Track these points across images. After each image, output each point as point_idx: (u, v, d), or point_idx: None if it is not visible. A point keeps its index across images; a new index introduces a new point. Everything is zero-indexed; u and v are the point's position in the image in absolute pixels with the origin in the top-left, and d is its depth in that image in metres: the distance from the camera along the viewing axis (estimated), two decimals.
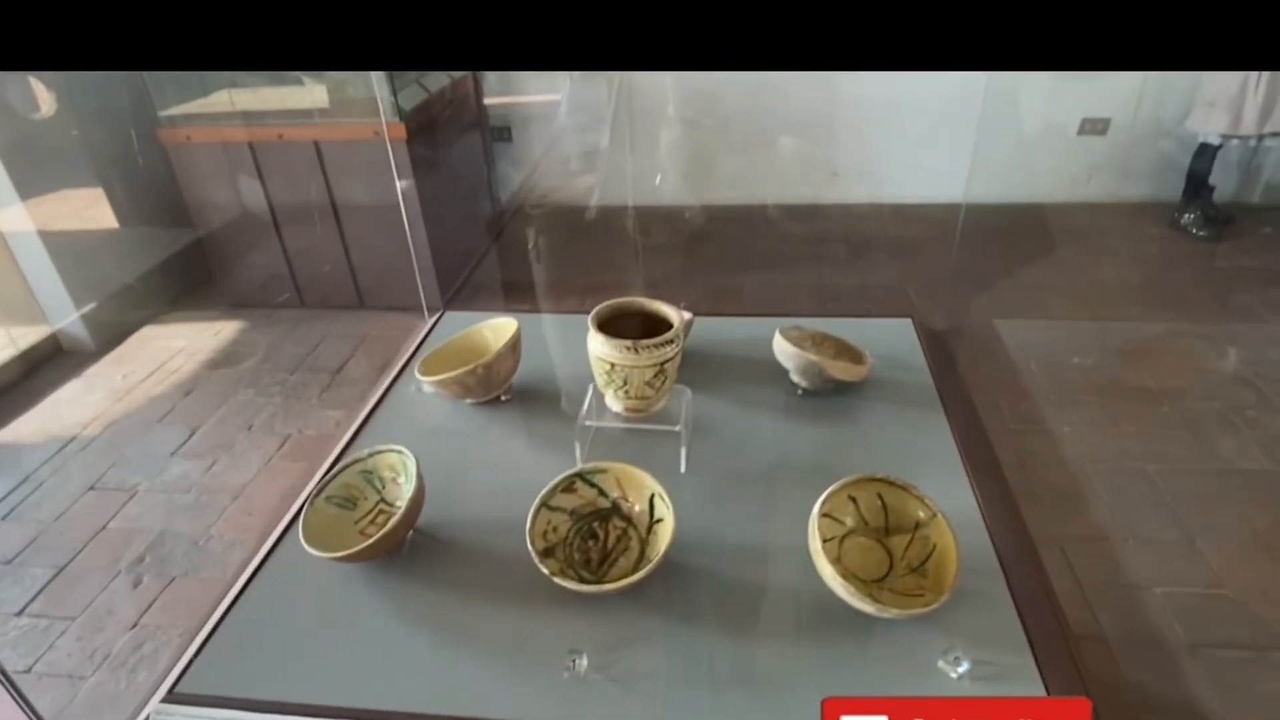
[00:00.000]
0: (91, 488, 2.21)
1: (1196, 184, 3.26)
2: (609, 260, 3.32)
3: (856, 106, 3.44)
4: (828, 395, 1.25)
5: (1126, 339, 2.65)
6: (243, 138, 2.67)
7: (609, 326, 1.09)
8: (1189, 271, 3.11)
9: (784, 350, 1.22)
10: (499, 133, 3.57)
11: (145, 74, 2.97)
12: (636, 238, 3.40)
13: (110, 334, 2.93)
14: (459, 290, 3.04)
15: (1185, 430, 2.21)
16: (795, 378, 1.25)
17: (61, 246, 2.84)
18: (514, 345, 1.24)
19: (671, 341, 1.05)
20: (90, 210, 3.15)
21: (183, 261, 3.17)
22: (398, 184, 2.44)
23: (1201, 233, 3.23)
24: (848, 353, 1.30)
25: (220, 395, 2.59)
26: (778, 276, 3.17)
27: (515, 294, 3.15)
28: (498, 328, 1.32)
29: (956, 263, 2.85)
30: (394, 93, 2.47)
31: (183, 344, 2.89)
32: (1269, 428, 2.20)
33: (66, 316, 2.82)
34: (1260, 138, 2.99)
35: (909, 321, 1.45)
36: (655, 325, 1.12)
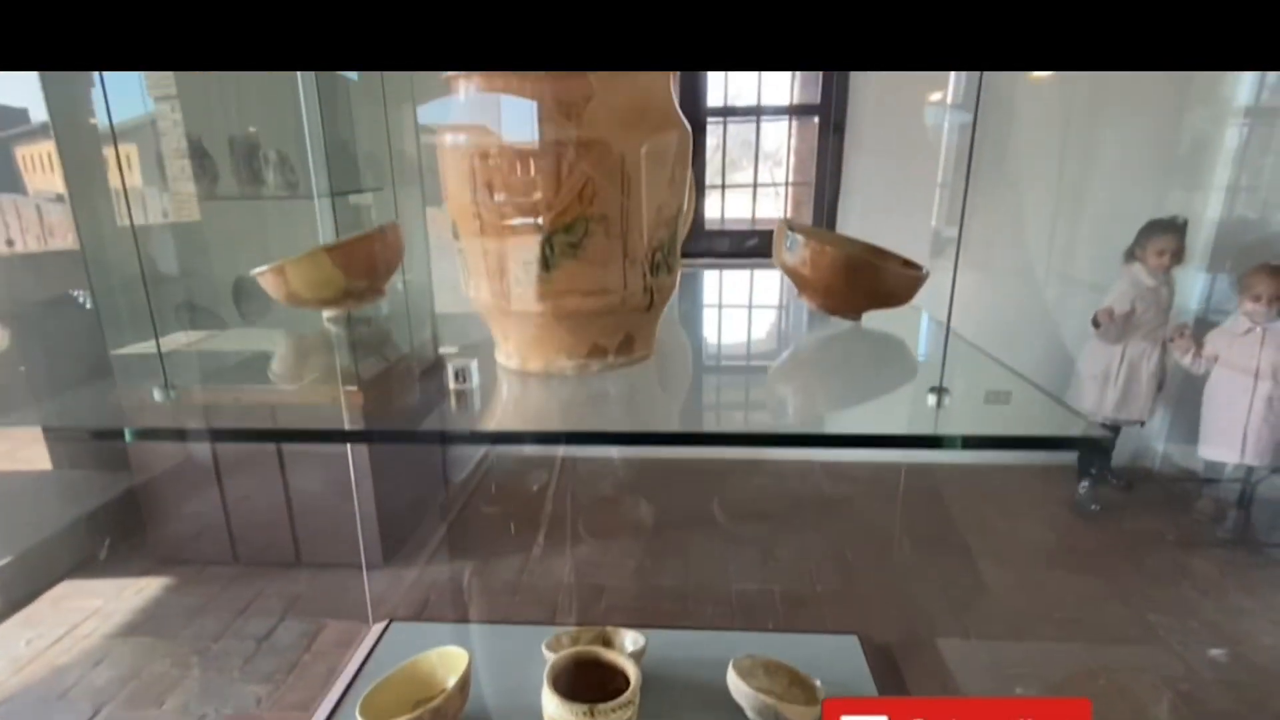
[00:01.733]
0: None
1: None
2: (556, 550, 3.27)
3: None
4: None
5: (1055, 608, 2.73)
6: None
7: (562, 681, 1.10)
8: (1100, 536, 3.27)
9: (739, 689, 1.24)
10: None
11: (99, 309, 3.02)
12: (585, 532, 3.39)
13: (23, 590, 2.75)
14: (404, 553, 2.99)
15: (1124, 703, 2.24)
16: (750, 715, 1.26)
17: None
18: (463, 685, 1.23)
19: (629, 704, 1.07)
20: (24, 451, 3.08)
21: (114, 510, 3.05)
22: (349, 455, 2.48)
23: (1100, 503, 3.43)
24: (800, 684, 1.33)
25: (133, 666, 2.41)
26: None
27: (460, 558, 3.07)
28: (447, 658, 1.30)
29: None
30: (355, 363, 2.57)
31: (99, 604, 2.71)
32: (1202, 695, 2.25)
33: None
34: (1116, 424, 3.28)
35: (854, 639, 1.50)
36: (612, 677, 1.14)
